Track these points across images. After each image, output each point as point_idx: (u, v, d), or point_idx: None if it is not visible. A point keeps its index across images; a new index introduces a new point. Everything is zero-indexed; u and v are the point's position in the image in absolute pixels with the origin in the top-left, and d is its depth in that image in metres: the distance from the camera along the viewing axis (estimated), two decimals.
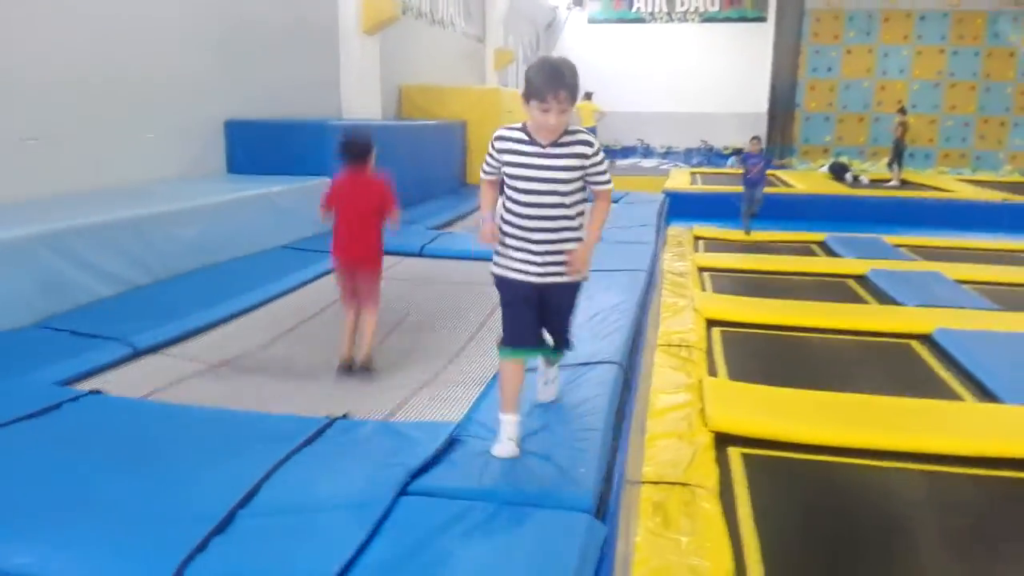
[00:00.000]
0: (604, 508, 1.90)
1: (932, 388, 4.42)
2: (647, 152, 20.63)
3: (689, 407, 3.84)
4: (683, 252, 8.05)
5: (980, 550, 2.87)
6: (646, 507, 2.92)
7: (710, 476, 3.19)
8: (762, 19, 20.16)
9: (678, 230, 9.33)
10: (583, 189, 2.35)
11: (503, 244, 2.32)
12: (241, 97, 6.34)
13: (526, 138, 2.27)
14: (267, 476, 1.98)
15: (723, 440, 3.59)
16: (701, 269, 7.45)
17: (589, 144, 2.28)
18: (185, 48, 5.63)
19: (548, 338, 2.55)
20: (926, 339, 5.20)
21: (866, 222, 11.01)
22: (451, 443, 2.21)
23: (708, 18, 20.88)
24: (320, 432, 2.27)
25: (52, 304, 3.43)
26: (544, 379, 2.74)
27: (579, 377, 2.69)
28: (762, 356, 5.01)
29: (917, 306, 5.93)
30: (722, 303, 5.99)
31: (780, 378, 4.34)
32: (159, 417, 2.43)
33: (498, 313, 2.46)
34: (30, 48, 4.30)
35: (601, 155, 2.34)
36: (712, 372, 4.60)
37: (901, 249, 8.78)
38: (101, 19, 4.85)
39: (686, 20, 21.04)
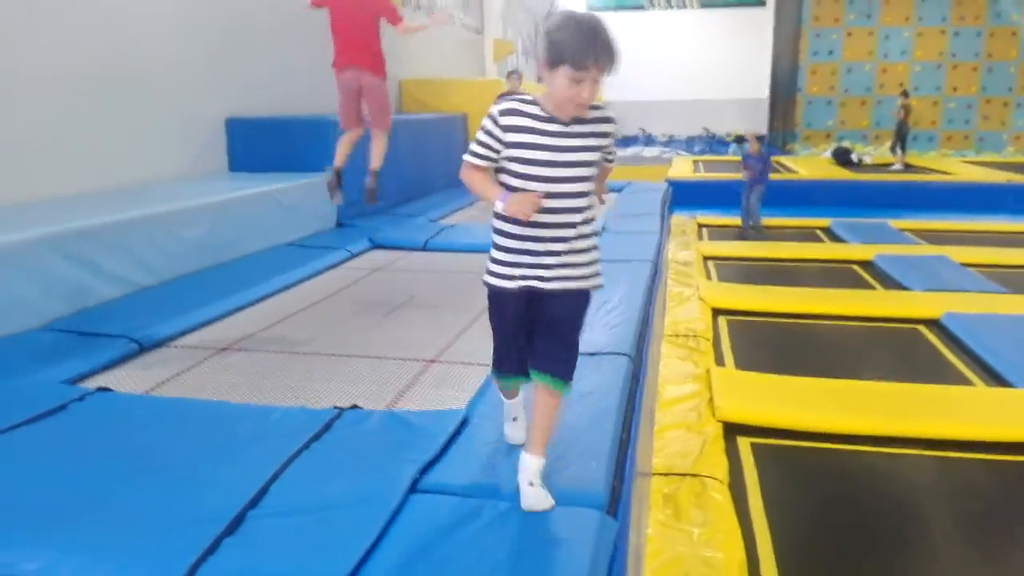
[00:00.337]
0: (616, 503, 1.89)
1: (941, 373, 4.41)
2: (649, 141, 20.60)
3: (697, 397, 3.83)
4: (687, 241, 8.04)
5: (992, 535, 2.86)
6: (657, 499, 2.92)
7: (720, 466, 3.19)
8: (761, 3, 20.08)
9: (682, 219, 9.30)
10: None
11: (501, 249, 1.89)
12: (242, 94, 6.32)
13: (543, 114, 1.81)
14: (276, 476, 1.98)
15: (732, 430, 3.59)
16: (706, 258, 7.44)
17: (611, 120, 1.88)
18: (185, 46, 5.60)
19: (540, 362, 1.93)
20: (934, 324, 5.19)
21: (870, 207, 10.98)
22: (459, 432, 2.20)
23: (707, 4, 20.80)
24: (328, 425, 2.27)
25: (57, 308, 3.42)
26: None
27: (588, 368, 2.67)
28: (769, 344, 5.00)
29: (924, 291, 5.91)
30: (728, 292, 5.97)
31: (787, 366, 4.34)
32: (167, 413, 2.43)
33: None
34: (30, 48, 4.28)
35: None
36: (719, 361, 4.59)
37: (906, 233, 8.75)
38: (101, 18, 4.82)
39: (685, 6, 20.97)
